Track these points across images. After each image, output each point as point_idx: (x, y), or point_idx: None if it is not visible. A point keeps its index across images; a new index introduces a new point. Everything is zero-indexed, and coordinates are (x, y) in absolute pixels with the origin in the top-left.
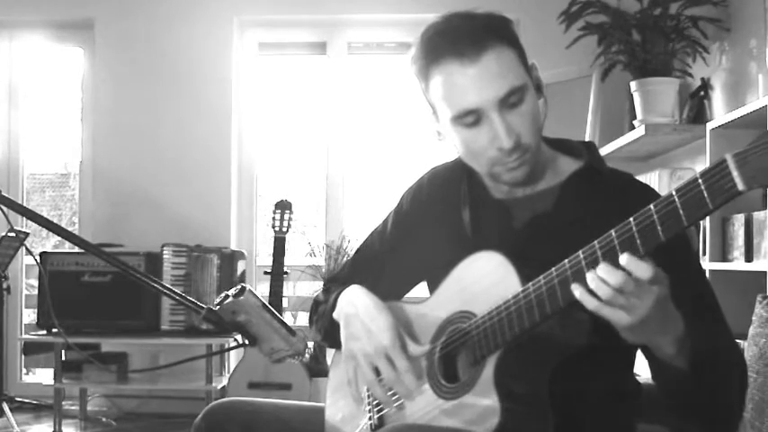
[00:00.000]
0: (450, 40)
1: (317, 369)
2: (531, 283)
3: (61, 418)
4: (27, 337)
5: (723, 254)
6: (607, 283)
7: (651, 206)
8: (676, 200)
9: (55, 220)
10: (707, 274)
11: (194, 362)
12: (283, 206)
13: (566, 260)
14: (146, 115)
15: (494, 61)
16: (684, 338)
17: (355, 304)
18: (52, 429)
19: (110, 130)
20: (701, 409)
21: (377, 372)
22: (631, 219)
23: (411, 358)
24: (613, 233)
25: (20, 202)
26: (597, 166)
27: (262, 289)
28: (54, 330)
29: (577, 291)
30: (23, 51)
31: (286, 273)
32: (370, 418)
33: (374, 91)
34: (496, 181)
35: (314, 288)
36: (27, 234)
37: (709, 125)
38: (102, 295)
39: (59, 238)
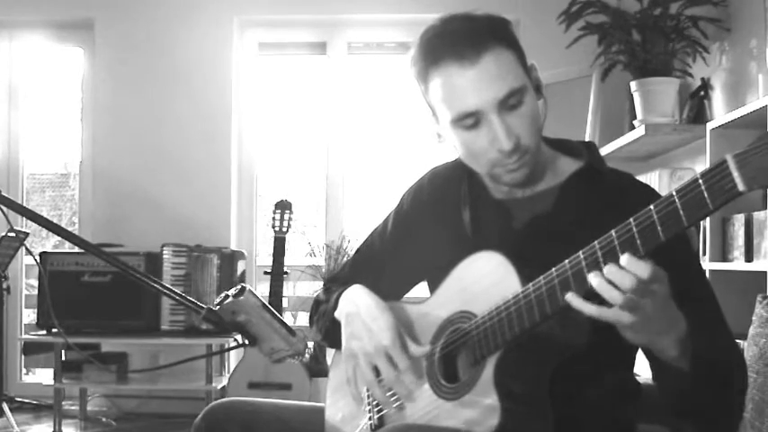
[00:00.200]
0: (450, 43)
1: (317, 369)
2: (531, 284)
3: (61, 419)
4: (27, 337)
5: (723, 254)
6: (612, 283)
7: (651, 206)
8: (676, 200)
9: (55, 220)
10: (707, 275)
11: (194, 362)
12: (283, 206)
13: (566, 260)
14: (146, 115)
15: (493, 63)
16: (687, 339)
17: (357, 303)
18: (52, 429)
19: (110, 130)
20: (701, 409)
21: (377, 372)
22: (631, 219)
23: (411, 358)
24: (614, 233)
25: (20, 202)
26: (597, 167)
27: (262, 289)
28: (54, 330)
29: (574, 300)
30: (23, 51)
31: (286, 273)
32: (370, 418)
33: (374, 91)
34: (497, 182)
35: (314, 288)
36: (27, 234)
37: (710, 125)
38: (102, 295)
39: (59, 238)
